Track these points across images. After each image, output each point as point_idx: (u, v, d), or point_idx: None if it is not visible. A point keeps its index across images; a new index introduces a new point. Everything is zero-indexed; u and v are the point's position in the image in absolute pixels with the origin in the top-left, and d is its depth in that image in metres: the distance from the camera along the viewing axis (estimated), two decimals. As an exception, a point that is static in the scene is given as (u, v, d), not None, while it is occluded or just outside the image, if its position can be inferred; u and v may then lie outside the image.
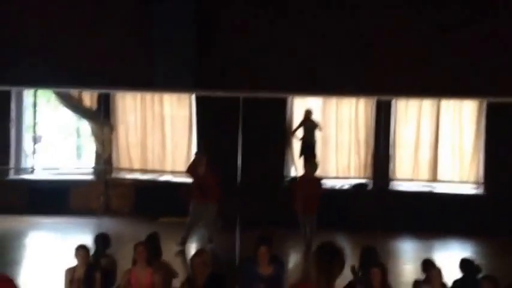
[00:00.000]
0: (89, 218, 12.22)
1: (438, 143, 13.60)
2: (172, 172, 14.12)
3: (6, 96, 13.71)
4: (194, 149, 13.58)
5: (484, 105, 13.12)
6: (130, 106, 14.31)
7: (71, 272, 7.52)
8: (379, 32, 12.51)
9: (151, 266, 7.42)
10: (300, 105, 13.94)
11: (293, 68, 12.64)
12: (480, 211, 12.59)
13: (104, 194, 13.20)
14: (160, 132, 14.24)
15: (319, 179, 11.12)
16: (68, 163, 16.77)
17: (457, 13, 12.27)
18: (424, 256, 8.52)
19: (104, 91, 12.77)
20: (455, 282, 7.66)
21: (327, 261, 4.02)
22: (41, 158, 15.28)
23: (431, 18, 12.34)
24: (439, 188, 13.56)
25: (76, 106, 13.99)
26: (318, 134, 13.91)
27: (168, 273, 7.95)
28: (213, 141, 12.84)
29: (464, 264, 7.81)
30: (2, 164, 13.74)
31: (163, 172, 14.29)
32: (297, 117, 13.92)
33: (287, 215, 10.95)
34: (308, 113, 13.78)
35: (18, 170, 14.32)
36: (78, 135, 17.35)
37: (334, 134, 14.04)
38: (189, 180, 11.58)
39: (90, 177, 14.16)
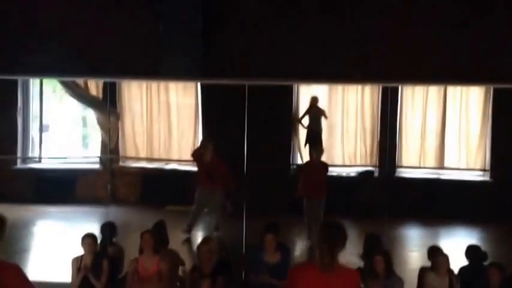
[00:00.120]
0: (95, 206, 12.23)
1: (444, 130, 13.57)
2: (179, 160, 14.13)
3: (13, 85, 13.73)
4: (200, 137, 13.59)
5: (491, 92, 13.08)
6: (136, 95, 14.32)
7: (78, 261, 7.56)
8: (386, 19, 12.49)
9: (158, 254, 7.45)
10: (306, 93, 13.93)
11: (299, 56, 12.65)
12: (487, 198, 12.58)
13: (110, 183, 13.22)
14: (167, 120, 14.24)
15: (325, 164, 11.06)
16: (75, 152, 16.80)
17: (464, 1, 12.25)
18: (431, 243, 8.52)
19: (109, 80, 12.77)
20: (462, 269, 7.66)
21: (331, 238, 4.18)
22: (47, 148, 15.32)
23: (438, 6, 12.33)
24: (446, 175, 13.55)
25: (82, 95, 14.01)
26: (324, 122, 13.90)
27: (175, 261, 7.98)
28: (219, 130, 12.85)
29: (471, 251, 7.82)
30: (9, 154, 13.78)
31: (169, 161, 14.31)
32: (303, 105, 13.91)
33: (294, 203, 10.96)
34: (314, 100, 13.76)
35: (25, 159, 14.37)
36: (85, 125, 17.38)
37: (340, 122, 14.03)
38: (196, 168, 11.60)
39: (96, 166, 14.18)
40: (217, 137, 11.96)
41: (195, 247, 8.38)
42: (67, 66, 12.49)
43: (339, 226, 4.40)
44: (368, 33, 12.53)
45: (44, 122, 14.87)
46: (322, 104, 13.89)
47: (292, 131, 13.82)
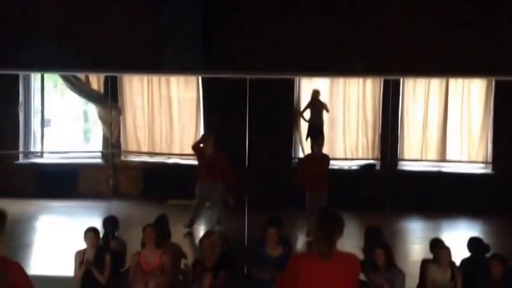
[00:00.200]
0: (97, 201, 12.26)
1: (446, 122, 13.55)
2: (180, 154, 14.13)
3: (15, 80, 13.74)
4: (202, 131, 13.59)
5: (492, 84, 13.06)
6: (137, 89, 14.31)
7: (80, 255, 7.58)
8: (388, 12, 12.49)
9: (160, 248, 7.47)
10: (307, 87, 13.91)
11: (300, 49, 12.64)
12: (488, 190, 12.58)
13: (112, 177, 13.23)
14: (168, 114, 14.23)
15: (327, 157, 11.03)
16: (76, 147, 16.81)
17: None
18: (433, 235, 8.53)
19: (111, 74, 12.78)
20: (464, 261, 7.67)
21: (328, 225, 4.20)
22: (49, 142, 15.33)
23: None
24: (447, 168, 13.55)
25: (83, 90, 14.00)
26: (325, 115, 13.90)
27: (178, 255, 7.99)
28: (220, 124, 12.85)
29: (473, 243, 7.82)
30: (11, 148, 13.79)
31: (171, 154, 14.31)
32: (305, 99, 13.90)
33: (295, 196, 10.96)
34: (315, 93, 13.75)
35: (27, 154, 14.37)
36: (86, 119, 17.38)
37: (342, 115, 14.01)
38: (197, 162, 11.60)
39: (98, 160, 14.19)
40: (219, 131, 11.98)
41: (197, 241, 8.38)
42: (68, 61, 12.50)
43: (335, 213, 4.42)
44: (369, 26, 12.52)
45: (45, 117, 14.87)
46: (323, 98, 13.88)
47: (293, 125, 13.81)
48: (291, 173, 11.99)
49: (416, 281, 7.61)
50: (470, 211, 12.20)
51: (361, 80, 13.64)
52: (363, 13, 12.60)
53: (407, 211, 12.27)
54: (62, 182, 13.43)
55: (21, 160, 14.27)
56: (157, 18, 12.52)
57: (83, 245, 7.63)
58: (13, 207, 12.39)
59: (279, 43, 12.73)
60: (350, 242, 8.76)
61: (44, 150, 14.65)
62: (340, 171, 13.30)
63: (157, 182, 13.42)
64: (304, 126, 13.91)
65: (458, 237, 9.32)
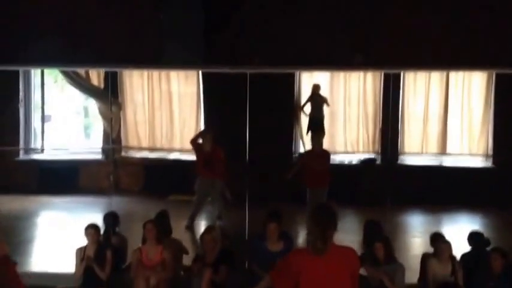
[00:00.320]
0: (98, 197, 12.27)
1: (447, 116, 13.54)
2: (181, 150, 14.12)
3: (15, 76, 13.73)
4: (202, 126, 13.59)
5: (493, 78, 13.04)
6: (137, 84, 14.29)
7: (81, 251, 7.59)
8: (388, 5, 12.46)
9: (161, 244, 7.47)
10: (307, 81, 13.90)
11: (300, 43, 12.62)
12: (489, 184, 12.56)
13: (113, 173, 13.23)
14: (168, 110, 14.22)
15: (327, 153, 11.02)
16: (77, 142, 16.81)
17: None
18: (433, 229, 8.55)
19: (111, 69, 12.76)
20: (464, 255, 7.68)
21: (323, 222, 4.22)
22: (50, 138, 15.33)
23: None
24: (448, 161, 13.54)
25: (83, 85, 13.98)
26: (326, 109, 13.89)
27: (179, 250, 8.01)
28: (221, 118, 12.84)
29: (473, 237, 7.83)
30: (11, 144, 13.78)
31: (171, 150, 14.31)
32: (305, 93, 13.88)
33: (296, 191, 10.96)
34: (316, 88, 13.75)
35: (28, 150, 14.37)
36: (86, 115, 17.38)
37: (343, 109, 14.00)
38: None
39: (99, 156, 14.18)
40: (219, 126, 11.96)
41: (198, 236, 8.39)
42: (68, 56, 12.48)
43: (329, 209, 4.43)
44: (369, 20, 12.50)
45: (45, 113, 14.87)
46: (324, 92, 13.87)
47: (294, 119, 13.79)
48: (291, 168, 11.99)
49: (416, 275, 7.63)
50: (471, 205, 12.19)
51: (361, 74, 13.62)
52: (363, 6, 12.57)
53: (408, 205, 12.26)
54: (63, 178, 13.42)
55: (22, 156, 14.26)
56: (157, 13, 12.50)
57: (84, 241, 7.64)
58: (14, 203, 12.46)
59: (280, 37, 12.70)
60: (351, 236, 8.79)
61: (44, 146, 14.64)
62: (341, 166, 13.28)
63: (158, 178, 13.41)
64: (304, 121, 13.90)
65: (459, 231, 9.33)
